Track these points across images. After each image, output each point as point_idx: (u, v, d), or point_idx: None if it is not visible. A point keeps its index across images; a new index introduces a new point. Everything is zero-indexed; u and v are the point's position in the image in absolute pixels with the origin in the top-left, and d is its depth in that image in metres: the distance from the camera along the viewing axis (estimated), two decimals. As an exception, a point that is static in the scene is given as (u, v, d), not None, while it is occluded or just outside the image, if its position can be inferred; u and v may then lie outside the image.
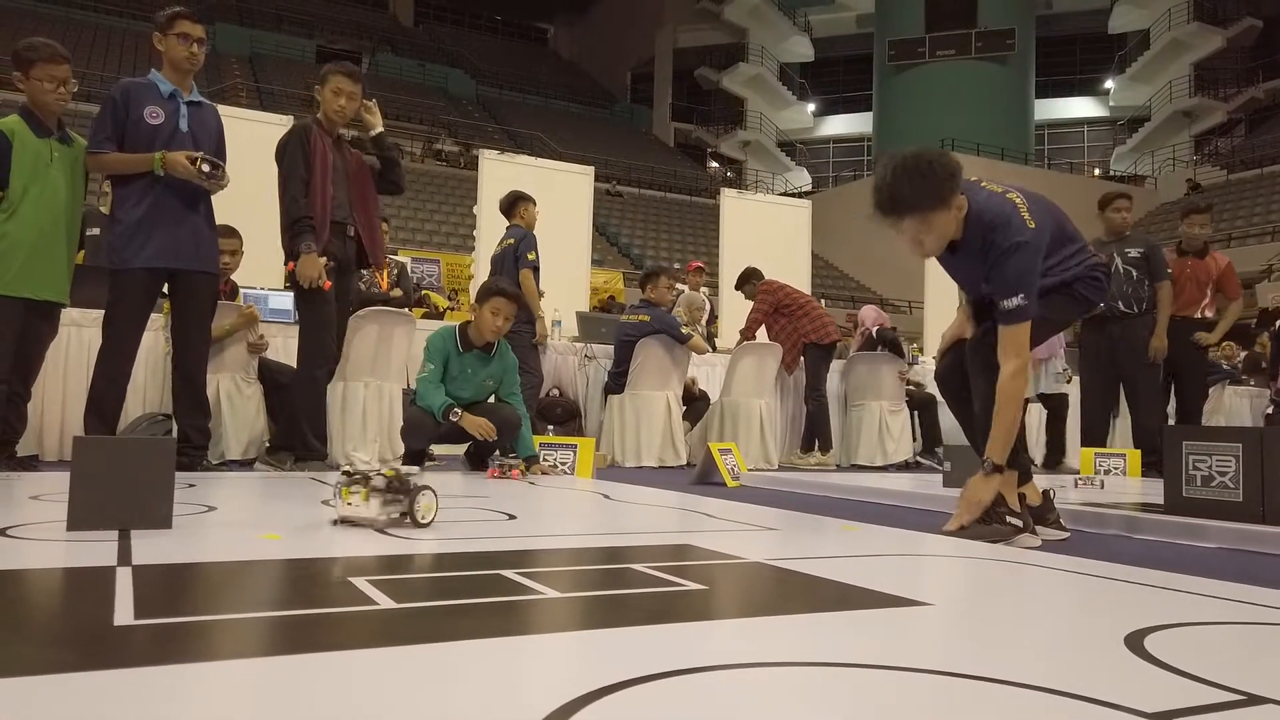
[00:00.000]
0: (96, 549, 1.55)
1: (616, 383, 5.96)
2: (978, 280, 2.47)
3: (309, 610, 1.15)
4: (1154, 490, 3.68)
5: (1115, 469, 5.32)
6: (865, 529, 2.40)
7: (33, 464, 3.69)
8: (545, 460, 4.17)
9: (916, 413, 6.93)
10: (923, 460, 6.73)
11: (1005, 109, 29.02)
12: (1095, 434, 5.72)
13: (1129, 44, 31.55)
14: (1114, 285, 5.57)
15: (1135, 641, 1.12)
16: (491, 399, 4.35)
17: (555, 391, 6.27)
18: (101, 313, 3.78)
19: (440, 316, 7.98)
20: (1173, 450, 2.90)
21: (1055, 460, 6.09)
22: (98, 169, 3.65)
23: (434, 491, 1.99)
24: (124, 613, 1.08)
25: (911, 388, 6.94)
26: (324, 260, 3.83)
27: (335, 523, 1.97)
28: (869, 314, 7.18)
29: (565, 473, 4.18)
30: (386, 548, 1.75)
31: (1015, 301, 2.30)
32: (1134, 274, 5.51)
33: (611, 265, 19.64)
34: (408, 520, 1.94)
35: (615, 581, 1.46)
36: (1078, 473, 5.74)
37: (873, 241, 24.79)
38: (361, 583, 1.32)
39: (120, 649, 0.93)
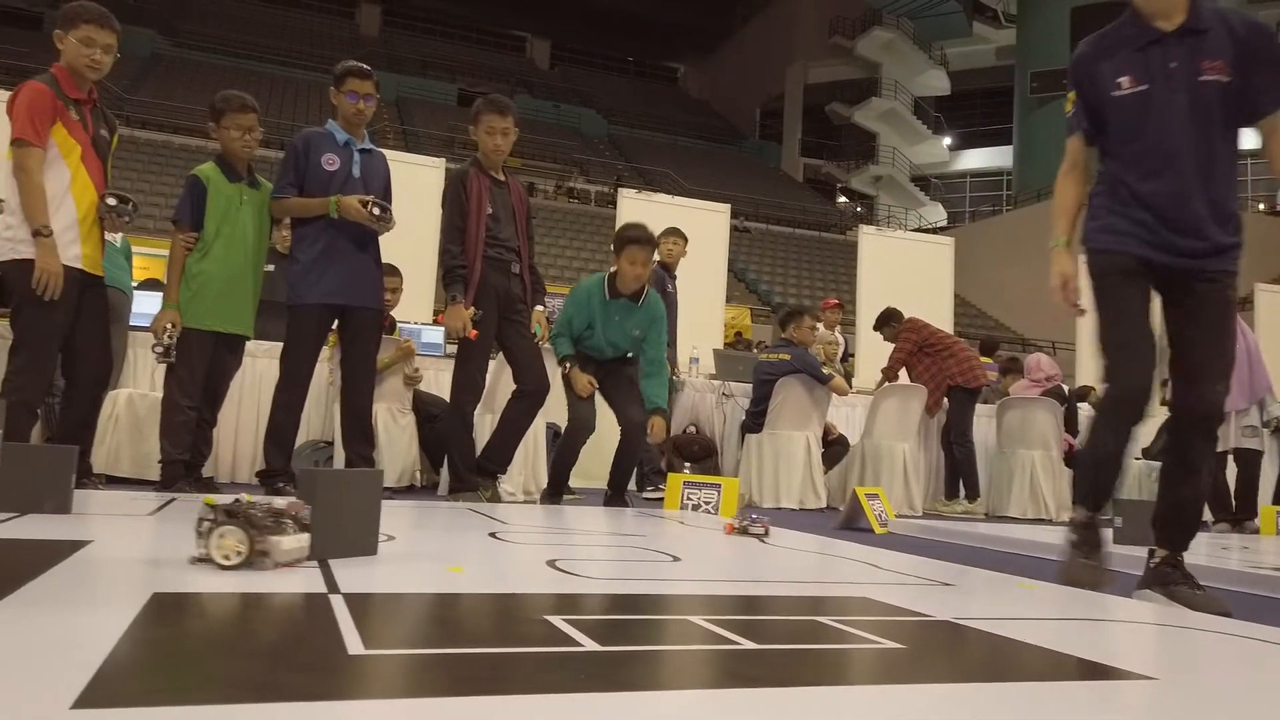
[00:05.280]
0: (302, 575, 1.63)
1: (755, 421, 5.91)
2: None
3: (522, 649, 1.17)
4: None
5: (1302, 529, 4.90)
6: (1045, 587, 2.28)
7: (214, 486, 3.93)
8: (689, 499, 4.17)
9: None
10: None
11: (1157, 141, 27.46)
12: None
13: (1297, 70, 29.46)
14: None
15: None
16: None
17: (692, 429, 6.27)
18: (273, 344, 4.02)
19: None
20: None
21: (1244, 517, 5.52)
22: (280, 213, 3.92)
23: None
24: (354, 642, 1.12)
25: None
26: (471, 310, 3.90)
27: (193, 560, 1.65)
28: (1046, 363, 6.76)
29: (710, 512, 4.16)
30: (563, 585, 1.78)
31: None
32: None
33: (739, 301, 19.62)
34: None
35: (809, 634, 1.43)
36: (1257, 532, 5.31)
37: (1014, 278, 23.82)
38: (559, 622, 1.33)
39: (366, 679, 0.98)
